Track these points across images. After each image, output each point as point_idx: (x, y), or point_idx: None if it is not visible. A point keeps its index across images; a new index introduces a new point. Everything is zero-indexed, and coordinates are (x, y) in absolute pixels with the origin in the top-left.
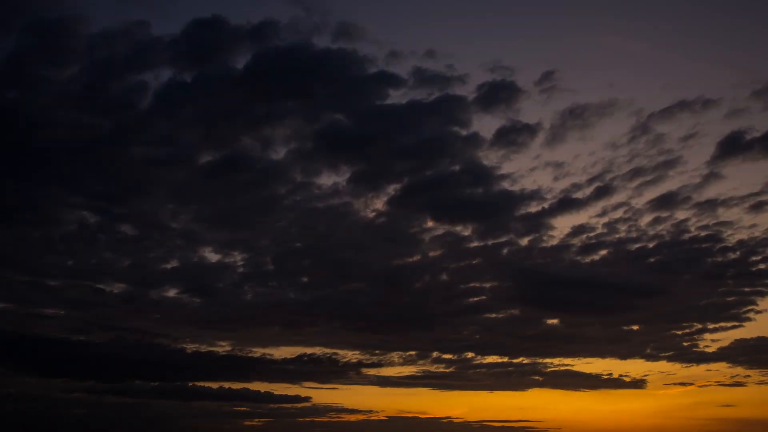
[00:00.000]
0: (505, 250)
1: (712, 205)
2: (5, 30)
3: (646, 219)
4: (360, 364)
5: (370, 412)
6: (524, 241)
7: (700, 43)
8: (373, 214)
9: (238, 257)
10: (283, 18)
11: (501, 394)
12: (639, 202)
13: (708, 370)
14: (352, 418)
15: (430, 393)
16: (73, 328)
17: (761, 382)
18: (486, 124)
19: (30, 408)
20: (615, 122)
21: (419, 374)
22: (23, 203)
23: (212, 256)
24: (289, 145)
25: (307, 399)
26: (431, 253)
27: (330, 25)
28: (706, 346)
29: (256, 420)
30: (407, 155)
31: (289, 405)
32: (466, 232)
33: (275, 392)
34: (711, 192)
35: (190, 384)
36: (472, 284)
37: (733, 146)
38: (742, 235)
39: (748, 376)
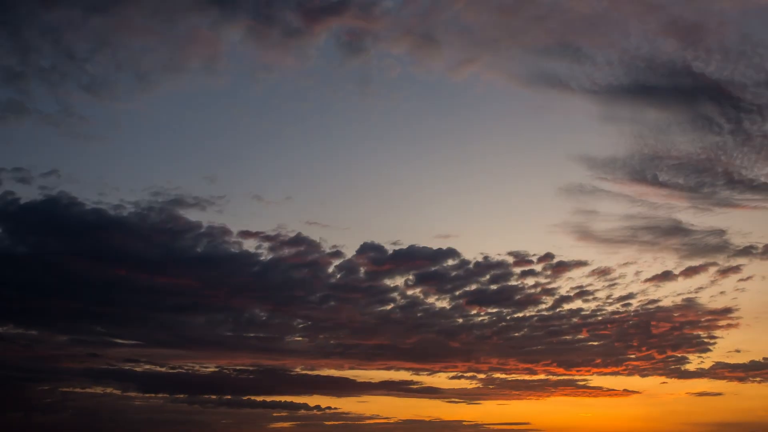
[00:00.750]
0: (535, 318)
1: (656, 300)
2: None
3: (617, 305)
4: (391, 382)
5: (390, 417)
6: (547, 313)
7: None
8: (444, 304)
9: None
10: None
11: (513, 402)
12: (609, 297)
13: (693, 383)
14: (372, 422)
15: (450, 403)
16: (194, 362)
17: (737, 393)
18: (516, 271)
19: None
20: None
21: (445, 388)
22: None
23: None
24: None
25: (336, 408)
26: (480, 320)
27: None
28: (689, 367)
29: (282, 423)
30: (473, 282)
31: (319, 413)
32: (506, 310)
33: (310, 403)
34: (653, 295)
35: (251, 398)
36: (509, 334)
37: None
38: (685, 308)
39: (726, 388)
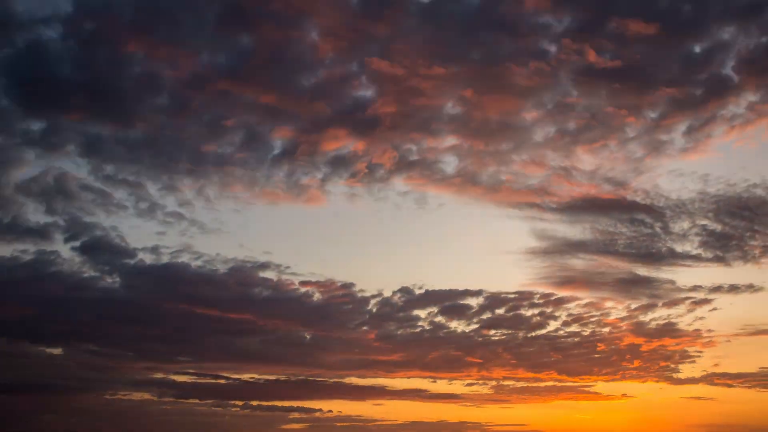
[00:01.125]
0: (541, 338)
1: (644, 322)
2: None
3: (609, 327)
4: (406, 390)
5: (395, 419)
6: (552, 334)
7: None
8: (464, 327)
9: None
10: None
11: (518, 406)
12: (601, 322)
13: (688, 388)
14: (379, 423)
15: (460, 406)
16: (234, 373)
17: (729, 397)
18: (524, 304)
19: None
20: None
21: (457, 393)
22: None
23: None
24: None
25: (348, 411)
26: (495, 339)
27: None
28: (680, 376)
29: (294, 425)
30: (489, 312)
31: (332, 416)
32: (521, 333)
33: (324, 408)
34: (640, 319)
35: (275, 403)
36: (519, 350)
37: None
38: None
39: (719, 394)
